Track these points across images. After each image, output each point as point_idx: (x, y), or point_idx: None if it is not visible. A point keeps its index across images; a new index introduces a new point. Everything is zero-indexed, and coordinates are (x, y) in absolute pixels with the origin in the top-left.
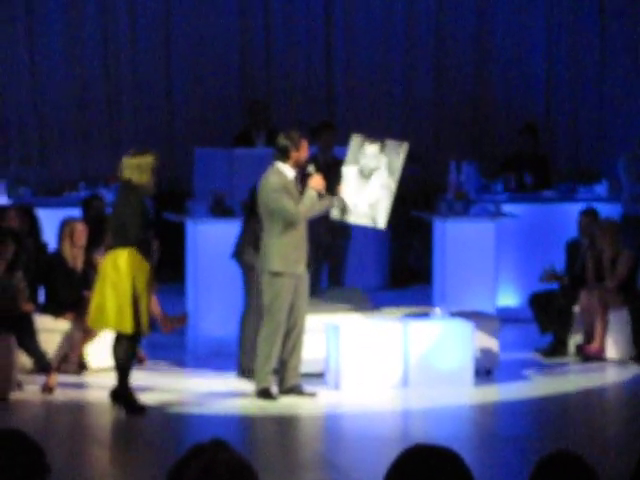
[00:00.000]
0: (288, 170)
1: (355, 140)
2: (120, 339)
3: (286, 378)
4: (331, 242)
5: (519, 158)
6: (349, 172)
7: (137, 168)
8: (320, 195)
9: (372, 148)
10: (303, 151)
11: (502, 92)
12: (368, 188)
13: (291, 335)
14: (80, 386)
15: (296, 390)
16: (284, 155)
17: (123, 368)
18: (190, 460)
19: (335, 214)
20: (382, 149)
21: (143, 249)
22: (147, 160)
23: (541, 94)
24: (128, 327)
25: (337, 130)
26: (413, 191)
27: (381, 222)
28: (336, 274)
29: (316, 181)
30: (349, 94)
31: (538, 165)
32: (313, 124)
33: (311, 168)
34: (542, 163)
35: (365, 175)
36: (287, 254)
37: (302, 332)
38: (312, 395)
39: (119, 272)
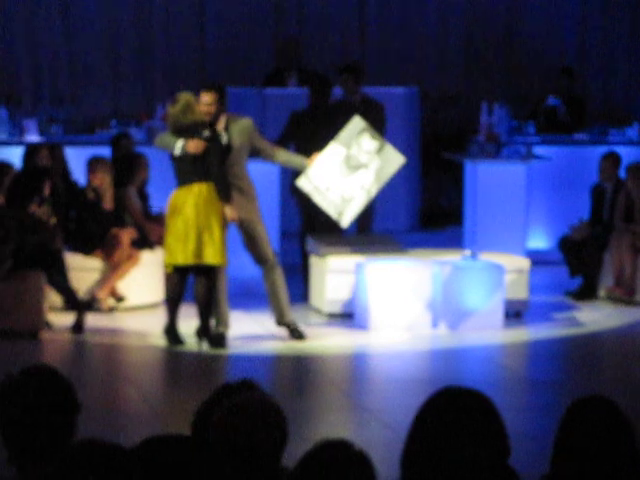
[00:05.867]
0: None
1: (355, 123)
2: (200, 276)
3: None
4: None
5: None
6: (335, 152)
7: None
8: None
9: (371, 144)
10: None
11: (535, 33)
12: (349, 180)
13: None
14: (110, 325)
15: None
16: None
17: (206, 304)
18: (220, 400)
19: (302, 183)
20: (380, 150)
21: (222, 182)
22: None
23: (574, 35)
24: (219, 259)
25: (359, 72)
26: (445, 132)
27: (345, 221)
28: (365, 220)
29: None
30: (382, 34)
31: (574, 107)
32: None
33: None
34: (578, 105)
35: (351, 165)
36: None
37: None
38: (301, 338)
39: (203, 206)
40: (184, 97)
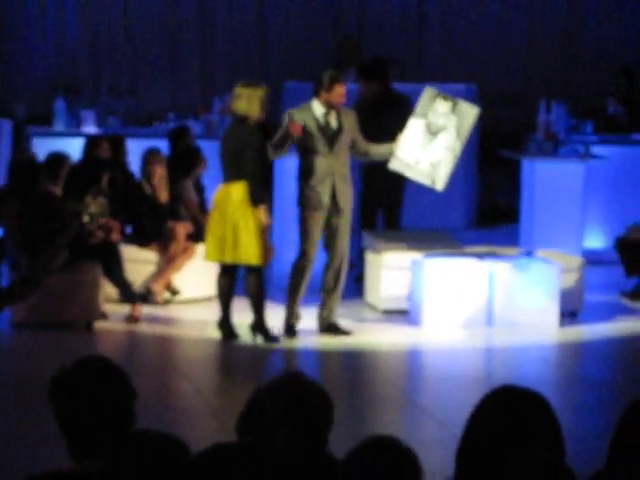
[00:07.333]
0: (317, 106)
1: (427, 93)
2: (250, 271)
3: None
4: (385, 185)
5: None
6: (415, 125)
7: (247, 98)
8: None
9: (444, 106)
10: (333, 93)
11: (594, 32)
12: (433, 146)
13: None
14: (165, 317)
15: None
16: (315, 92)
17: (258, 299)
18: (279, 390)
19: (394, 164)
20: (454, 108)
21: (256, 184)
22: (258, 92)
23: (634, 34)
24: (256, 258)
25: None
26: (503, 130)
27: (440, 184)
28: (391, 216)
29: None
30: (441, 31)
31: (632, 108)
32: (403, 60)
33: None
34: (636, 106)
35: (432, 132)
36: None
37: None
38: (347, 333)
39: (240, 205)
40: (242, 89)
